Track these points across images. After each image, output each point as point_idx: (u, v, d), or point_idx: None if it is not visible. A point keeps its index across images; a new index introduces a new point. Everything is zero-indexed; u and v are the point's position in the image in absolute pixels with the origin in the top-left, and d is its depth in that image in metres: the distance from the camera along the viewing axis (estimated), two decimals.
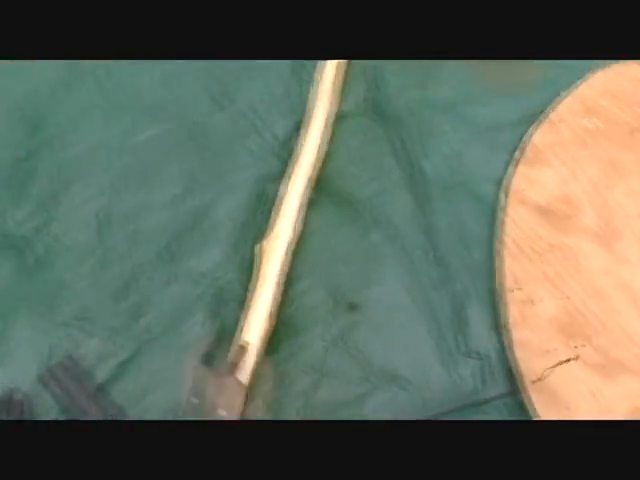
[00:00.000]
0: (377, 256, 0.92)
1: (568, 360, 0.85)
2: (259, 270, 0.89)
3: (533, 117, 1.02)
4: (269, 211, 0.94)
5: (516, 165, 0.97)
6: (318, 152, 0.97)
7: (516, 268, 0.90)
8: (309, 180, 0.95)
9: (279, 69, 1.04)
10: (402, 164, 0.97)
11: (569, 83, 1.05)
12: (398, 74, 1.04)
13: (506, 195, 0.95)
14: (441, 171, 0.97)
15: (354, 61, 1.04)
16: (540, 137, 1.00)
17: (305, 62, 1.04)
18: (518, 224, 0.93)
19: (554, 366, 0.84)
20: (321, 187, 0.96)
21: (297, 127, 1.00)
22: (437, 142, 0.99)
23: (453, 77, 1.03)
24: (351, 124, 1.01)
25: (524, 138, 1.01)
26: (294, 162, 0.96)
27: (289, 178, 0.95)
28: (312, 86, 1.02)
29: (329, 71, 1.03)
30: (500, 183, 0.97)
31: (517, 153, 0.98)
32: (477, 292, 0.90)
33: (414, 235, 0.93)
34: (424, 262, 0.92)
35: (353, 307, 0.88)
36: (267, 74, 1.03)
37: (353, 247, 0.92)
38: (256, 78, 1.03)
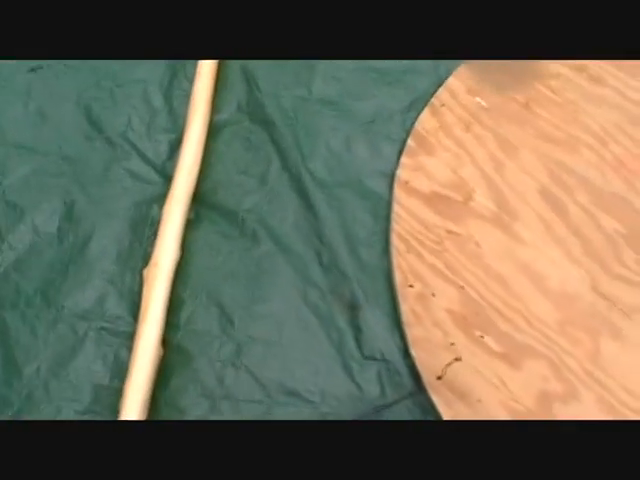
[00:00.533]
0: (267, 269, 0.89)
1: (471, 352, 0.82)
2: (144, 299, 0.86)
3: (426, 102, 1.00)
4: (154, 235, 0.91)
5: (400, 156, 0.95)
6: (197, 166, 0.94)
7: (410, 263, 0.87)
8: (190, 196, 0.92)
9: (153, 81, 1.01)
10: (288, 168, 0.94)
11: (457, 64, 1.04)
12: (276, 74, 1.01)
13: (393, 188, 0.93)
14: (329, 171, 0.94)
15: (230, 63, 1.01)
16: (423, 124, 0.97)
17: (179, 71, 1.01)
18: (407, 217, 0.90)
19: (456, 360, 0.82)
20: (203, 202, 0.93)
21: (179, 141, 0.97)
22: (323, 141, 0.96)
23: (333, 74, 1.01)
24: (232, 131, 0.97)
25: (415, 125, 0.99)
26: (173, 180, 0.93)
27: (169, 198, 0.92)
28: (189, 95, 0.99)
29: (204, 78, 1.00)
30: (391, 176, 0.94)
31: (406, 143, 0.96)
32: (374, 293, 0.87)
33: (305, 242, 0.90)
34: (317, 269, 0.89)
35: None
36: (141, 88, 1.01)
37: (240, 262, 0.89)
38: (130, 94, 1.01)
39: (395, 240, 0.89)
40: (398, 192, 0.93)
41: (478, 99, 0.99)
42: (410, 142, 0.96)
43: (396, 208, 0.91)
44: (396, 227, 0.90)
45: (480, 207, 0.91)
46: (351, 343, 0.85)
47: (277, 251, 0.89)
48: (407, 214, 0.91)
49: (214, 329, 0.85)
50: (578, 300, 0.84)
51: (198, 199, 0.93)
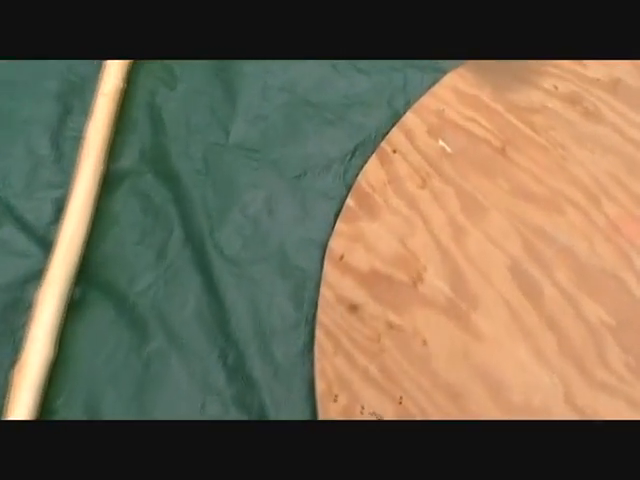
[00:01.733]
0: (157, 372, 0.72)
1: None
2: (9, 407, 0.71)
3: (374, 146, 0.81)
4: (29, 321, 0.75)
5: (335, 221, 0.77)
6: (82, 233, 0.77)
7: (337, 367, 0.70)
8: (72, 273, 0.76)
9: (38, 119, 0.84)
10: (192, 238, 0.77)
11: (422, 90, 0.84)
12: (189, 110, 0.83)
13: (324, 266, 0.75)
14: (243, 242, 0.76)
15: (135, 96, 0.83)
16: (368, 176, 0.78)
17: (74, 105, 0.84)
18: (337, 305, 0.72)
19: None
20: (90, 279, 0.76)
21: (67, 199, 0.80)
22: (238, 202, 0.78)
23: (258, 111, 0.83)
24: (131, 185, 0.80)
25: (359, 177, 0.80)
26: (53, 253, 0.77)
27: (46, 277, 0.76)
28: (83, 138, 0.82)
29: (101, 114, 0.82)
30: (323, 247, 0.76)
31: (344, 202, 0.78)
32: (289, 405, 0.70)
33: (207, 336, 0.73)
34: (219, 370, 0.72)
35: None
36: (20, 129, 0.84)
37: (126, 363, 0.73)
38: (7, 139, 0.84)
39: (320, 336, 0.72)
40: (329, 270, 0.74)
41: (442, 143, 0.80)
42: (349, 202, 0.78)
43: (324, 292, 0.73)
44: (322, 318, 0.72)
45: (431, 291, 0.72)
46: None
47: (171, 349, 0.73)
48: (337, 300, 0.73)
49: None
50: (546, 417, 0.66)
51: (84, 274, 0.77)
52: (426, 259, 0.73)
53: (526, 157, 0.78)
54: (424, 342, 0.70)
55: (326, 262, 0.75)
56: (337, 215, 0.78)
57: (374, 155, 0.80)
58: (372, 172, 0.78)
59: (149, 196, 0.79)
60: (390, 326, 0.71)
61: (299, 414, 0.69)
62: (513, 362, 0.68)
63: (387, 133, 0.81)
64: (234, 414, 0.70)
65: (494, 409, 0.67)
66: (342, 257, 0.75)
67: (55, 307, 0.74)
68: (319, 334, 0.71)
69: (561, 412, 0.66)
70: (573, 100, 0.81)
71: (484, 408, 0.67)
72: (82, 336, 0.74)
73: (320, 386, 0.69)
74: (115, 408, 0.70)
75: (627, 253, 0.72)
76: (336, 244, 0.76)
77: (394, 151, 0.79)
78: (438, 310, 0.71)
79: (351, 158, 0.81)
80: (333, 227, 0.77)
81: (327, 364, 0.70)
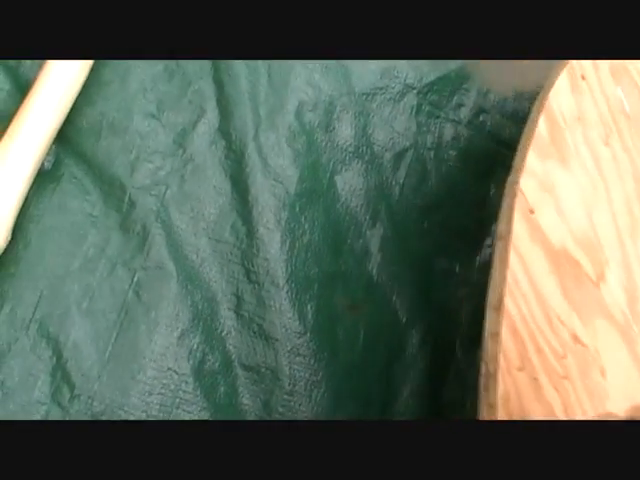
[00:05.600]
0: (151, 297, 0.56)
1: None
2: None
3: None
4: None
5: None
6: (69, 87, 0.59)
7: (518, 389, 0.56)
8: (50, 129, 0.58)
9: None
10: (228, 132, 0.61)
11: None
12: None
13: (506, 210, 0.58)
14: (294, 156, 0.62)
15: None
16: (560, 102, 0.62)
17: None
18: (528, 291, 0.56)
19: None
20: (69, 147, 0.59)
21: None
22: (293, 102, 0.63)
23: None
24: None
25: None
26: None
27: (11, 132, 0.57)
28: None
29: None
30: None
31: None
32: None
33: (221, 266, 0.58)
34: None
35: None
36: None
37: (113, 274, 0.56)
38: None
39: (506, 332, 0.57)
40: (518, 224, 0.59)
41: (620, 93, 0.67)
42: (542, 127, 0.63)
43: (512, 258, 0.58)
44: (509, 304, 0.56)
45: (612, 298, 0.59)
46: None
47: (174, 274, 0.57)
48: (529, 284, 0.58)
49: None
50: None
51: (63, 143, 0.59)
52: (608, 250, 0.61)
53: None
54: (602, 372, 0.58)
55: (516, 209, 0.59)
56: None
57: (564, 71, 0.66)
58: (564, 99, 0.64)
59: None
60: (575, 339, 0.58)
61: (319, 400, 0.57)
62: None
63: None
64: (237, 378, 0.56)
65: None
66: (532, 211, 0.61)
67: (23, 173, 0.56)
68: (505, 327, 0.55)
69: None
70: None
71: None
72: (50, 220, 0.56)
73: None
74: (87, 352, 0.54)
75: None
76: (527, 185, 0.60)
77: (582, 77, 0.66)
78: (616, 327, 0.59)
79: None
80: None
81: (508, 379, 0.56)
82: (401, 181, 0.65)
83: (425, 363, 0.63)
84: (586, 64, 0.65)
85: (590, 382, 0.58)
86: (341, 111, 0.64)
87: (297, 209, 0.61)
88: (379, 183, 0.65)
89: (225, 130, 0.60)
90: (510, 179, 0.60)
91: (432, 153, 0.67)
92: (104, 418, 0.54)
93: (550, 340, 0.57)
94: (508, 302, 0.56)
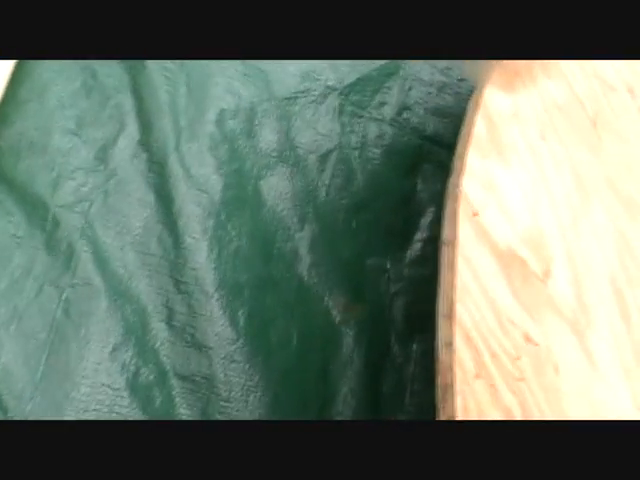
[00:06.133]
0: (80, 312, 0.57)
1: None
2: None
3: None
4: None
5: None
6: None
7: (476, 398, 0.56)
8: None
9: None
10: (150, 144, 0.62)
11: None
12: None
13: (450, 214, 0.59)
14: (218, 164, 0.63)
15: None
16: (495, 99, 0.63)
17: None
18: (478, 297, 0.56)
19: None
20: None
21: None
22: (214, 109, 0.64)
23: None
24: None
25: None
26: None
27: None
28: None
29: None
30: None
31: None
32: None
33: (153, 279, 0.58)
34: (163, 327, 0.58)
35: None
36: None
37: (41, 295, 0.57)
38: None
39: (459, 341, 0.55)
40: (465, 228, 0.58)
41: (552, 86, 0.68)
42: (480, 126, 0.62)
43: (460, 263, 0.57)
44: (462, 312, 0.56)
45: (559, 293, 0.60)
46: None
47: (104, 289, 0.58)
48: (479, 288, 0.57)
49: None
50: None
51: None
52: (553, 245, 0.61)
53: (616, 135, 0.69)
54: (556, 369, 0.59)
55: (460, 213, 0.58)
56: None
57: (498, 69, 0.66)
58: (499, 95, 0.64)
59: (96, 72, 0.62)
60: (528, 339, 0.59)
61: (257, 405, 0.58)
62: (623, 408, 0.60)
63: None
64: (173, 388, 0.57)
65: None
66: (476, 213, 0.60)
67: None
68: (458, 336, 0.55)
69: None
70: None
71: None
72: None
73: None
74: (18, 374, 0.55)
75: None
76: (470, 188, 0.60)
77: (516, 74, 0.65)
78: (566, 322, 0.59)
79: None
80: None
81: (466, 389, 0.54)
82: (327, 182, 0.67)
83: (361, 360, 0.64)
84: (519, 61, 0.66)
85: (545, 380, 0.58)
86: (263, 117, 0.65)
87: (223, 217, 0.62)
88: (305, 186, 0.66)
89: (146, 143, 0.61)
90: (451, 181, 0.59)
91: (357, 153, 0.69)
92: None
93: (504, 343, 0.57)
94: (460, 309, 0.55)
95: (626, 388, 0.60)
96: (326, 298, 0.64)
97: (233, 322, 0.60)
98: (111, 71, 0.62)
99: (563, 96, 0.67)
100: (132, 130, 0.61)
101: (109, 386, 0.56)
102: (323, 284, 0.65)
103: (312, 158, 0.67)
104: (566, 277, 0.62)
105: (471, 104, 0.64)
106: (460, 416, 0.53)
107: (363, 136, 0.70)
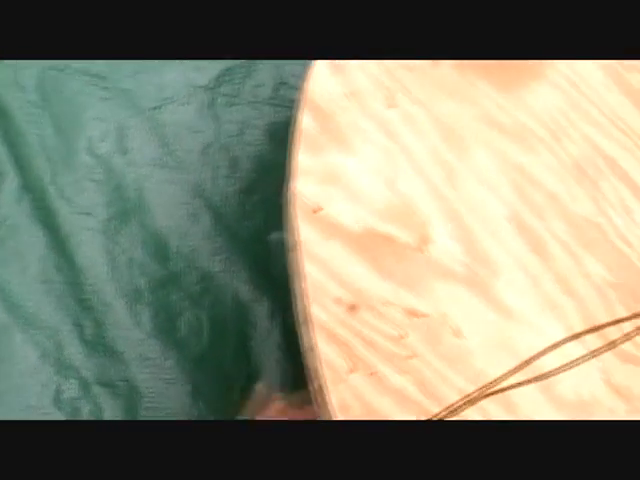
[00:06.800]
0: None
1: None
2: None
3: None
4: None
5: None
6: None
7: (357, 392, 0.53)
8: None
9: None
10: (31, 185, 0.67)
11: None
12: None
13: (291, 221, 0.56)
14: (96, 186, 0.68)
15: None
16: (319, 86, 0.61)
17: None
18: (332, 293, 0.54)
19: None
20: None
21: None
22: (84, 139, 0.69)
23: None
24: None
25: None
26: None
27: None
28: None
29: None
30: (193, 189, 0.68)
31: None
32: (164, 379, 0.63)
33: (56, 303, 0.64)
34: (76, 347, 0.64)
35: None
36: None
37: None
38: None
39: (321, 344, 0.54)
40: (305, 231, 0.56)
41: None
42: (306, 122, 0.60)
43: (308, 267, 0.55)
44: (319, 315, 0.54)
45: (445, 256, 0.59)
46: None
47: (14, 324, 0.64)
48: (337, 285, 0.55)
49: None
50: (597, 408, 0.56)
51: None
52: (426, 208, 0.60)
53: (486, 79, 0.66)
54: (457, 331, 0.57)
55: (298, 219, 0.56)
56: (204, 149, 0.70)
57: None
58: (324, 82, 0.61)
59: None
60: (413, 314, 0.57)
61: (179, 396, 0.63)
62: (552, 344, 0.60)
63: None
64: (97, 396, 0.63)
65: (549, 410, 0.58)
66: (318, 210, 0.58)
67: None
68: (319, 339, 0.53)
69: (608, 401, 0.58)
70: None
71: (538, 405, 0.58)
72: None
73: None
74: None
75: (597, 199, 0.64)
76: (305, 187, 0.57)
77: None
78: (458, 282, 0.58)
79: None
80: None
81: (340, 387, 0.53)
82: (211, 175, 0.71)
83: (280, 333, 0.68)
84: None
85: (444, 348, 0.56)
86: (133, 132, 0.70)
87: (111, 232, 0.67)
88: (192, 183, 0.70)
89: (28, 185, 0.67)
90: (285, 186, 0.57)
91: (236, 140, 0.72)
92: None
93: (380, 328, 0.55)
94: (316, 312, 0.54)
95: (554, 318, 0.58)
96: (234, 282, 0.68)
97: (139, 324, 0.65)
98: None
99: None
100: (12, 177, 0.67)
101: (35, 407, 0.62)
102: (227, 270, 0.68)
103: (193, 157, 0.71)
104: (451, 235, 0.60)
105: (297, 102, 0.61)
106: (340, 415, 0.51)
107: (242, 122, 0.73)
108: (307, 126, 0.59)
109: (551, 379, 0.56)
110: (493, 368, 0.55)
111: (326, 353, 0.52)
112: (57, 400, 0.63)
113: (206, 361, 0.65)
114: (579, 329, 0.59)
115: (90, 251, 0.66)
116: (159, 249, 0.68)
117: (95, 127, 0.69)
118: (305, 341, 0.53)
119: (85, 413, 0.63)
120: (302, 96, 0.60)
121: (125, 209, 0.68)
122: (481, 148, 0.64)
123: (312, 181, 0.57)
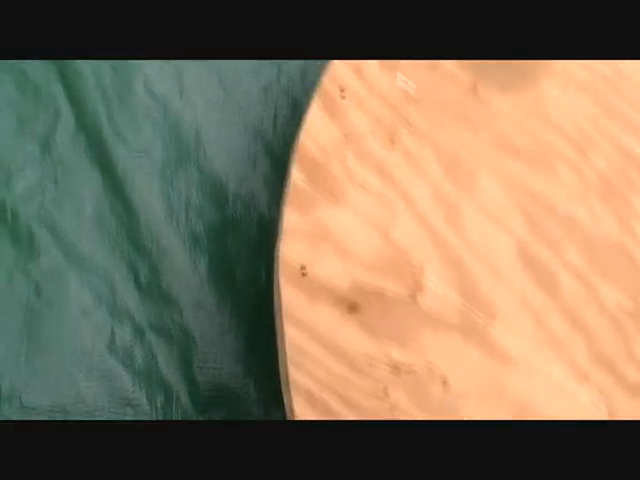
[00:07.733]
0: (52, 293, 0.62)
1: None
2: None
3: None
4: None
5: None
6: None
7: None
8: None
9: None
10: (86, 124, 0.65)
11: None
12: None
13: (277, 286, 0.56)
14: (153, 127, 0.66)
15: None
16: (315, 132, 0.59)
17: None
18: (314, 355, 0.54)
19: None
20: None
21: None
22: (140, 76, 0.66)
23: None
24: None
25: None
26: None
27: None
28: None
29: None
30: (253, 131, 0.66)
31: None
32: (215, 327, 0.62)
33: (111, 246, 0.63)
34: (130, 289, 0.63)
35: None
36: None
37: (11, 282, 0.62)
38: None
39: (298, 408, 0.53)
40: (289, 295, 0.55)
41: (401, 77, 0.61)
42: (296, 176, 0.58)
43: (290, 334, 0.54)
44: (298, 378, 0.54)
45: (437, 303, 0.57)
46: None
47: (68, 266, 0.63)
48: (320, 348, 0.55)
49: None
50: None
51: None
52: (421, 255, 0.58)
53: (502, 97, 0.62)
54: (445, 382, 0.56)
55: (282, 282, 0.55)
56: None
57: (315, 100, 0.60)
58: (321, 128, 0.59)
59: (25, 72, 0.67)
60: (396, 369, 0.56)
61: (233, 345, 0.61)
62: (552, 388, 0.56)
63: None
64: (151, 341, 0.61)
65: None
66: (304, 270, 0.56)
67: None
68: (296, 404, 0.53)
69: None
70: None
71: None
72: None
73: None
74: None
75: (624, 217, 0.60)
76: (291, 250, 0.56)
77: (342, 90, 0.60)
78: (451, 330, 0.56)
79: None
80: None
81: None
82: (273, 117, 0.68)
83: None
84: (344, 74, 0.61)
85: (431, 401, 0.55)
86: (191, 72, 0.68)
87: (168, 174, 0.65)
88: (250, 125, 0.68)
89: (82, 123, 0.65)
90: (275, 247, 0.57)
91: (297, 82, 0.69)
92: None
93: (363, 387, 0.55)
94: (295, 376, 0.54)
95: (559, 361, 0.56)
96: None
97: (196, 270, 0.64)
98: (39, 66, 0.67)
99: (416, 83, 0.61)
100: (66, 115, 0.65)
101: (89, 352, 0.61)
102: None
103: (251, 98, 0.68)
104: (446, 280, 0.58)
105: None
106: None
107: (303, 64, 0.70)
108: (296, 182, 0.57)
109: None
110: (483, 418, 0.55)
111: (304, 416, 0.52)
112: (111, 345, 0.62)
113: (262, 311, 0.63)
114: (586, 368, 0.58)
115: (146, 193, 0.64)
116: (217, 193, 0.66)
117: (152, 66, 0.67)
118: (287, 401, 0.53)
119: (138, 359, 0.62)
120: (295, 147, 0.58)
121: (182, 151, 0.66)
122: (490, 176, 0.61)
123: (299, 240, 0.56)
